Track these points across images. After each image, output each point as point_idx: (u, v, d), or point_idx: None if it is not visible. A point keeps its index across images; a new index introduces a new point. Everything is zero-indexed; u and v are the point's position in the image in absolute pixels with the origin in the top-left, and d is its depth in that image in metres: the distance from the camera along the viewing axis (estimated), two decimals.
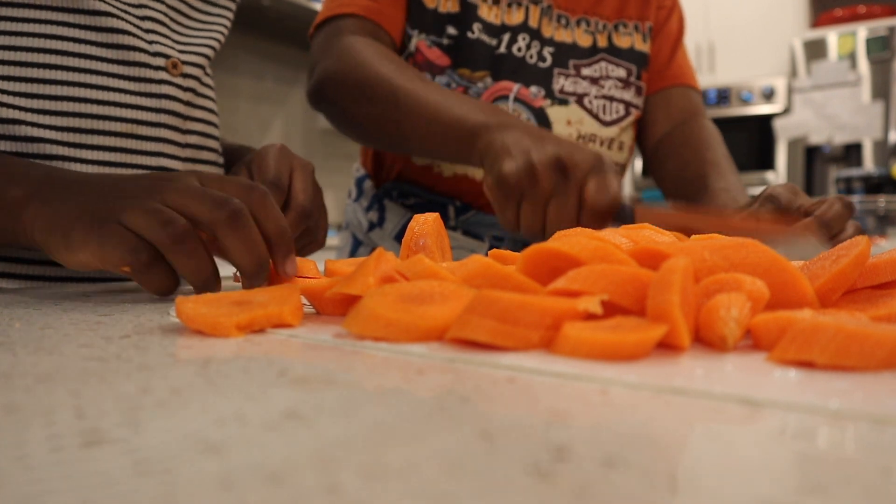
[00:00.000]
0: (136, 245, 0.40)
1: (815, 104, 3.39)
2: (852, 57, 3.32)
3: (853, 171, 2.92)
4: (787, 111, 3.54)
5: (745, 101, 3.63)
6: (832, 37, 3.38)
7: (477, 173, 0.87)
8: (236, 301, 0.34)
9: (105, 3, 0.58)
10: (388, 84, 0.74)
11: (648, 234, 0.40)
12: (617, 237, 0.38)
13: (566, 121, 0.87)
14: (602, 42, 0.92)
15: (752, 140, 3.62)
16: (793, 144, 3.47)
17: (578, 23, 0.91)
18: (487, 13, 0.85)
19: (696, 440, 0.18)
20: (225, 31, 0.72)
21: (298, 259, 0.46)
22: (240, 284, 0.45)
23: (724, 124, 3.29)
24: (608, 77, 0.91)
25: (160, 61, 0.62)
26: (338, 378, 0.24)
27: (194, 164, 0.68)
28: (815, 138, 3.40)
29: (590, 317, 0.27)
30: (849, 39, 3.33)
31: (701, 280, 0.29)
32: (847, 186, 2.85)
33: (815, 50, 3.42)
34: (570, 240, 0.32)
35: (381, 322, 0.28)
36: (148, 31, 0.62)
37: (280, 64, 3.16)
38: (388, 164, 0.93)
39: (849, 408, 0.19)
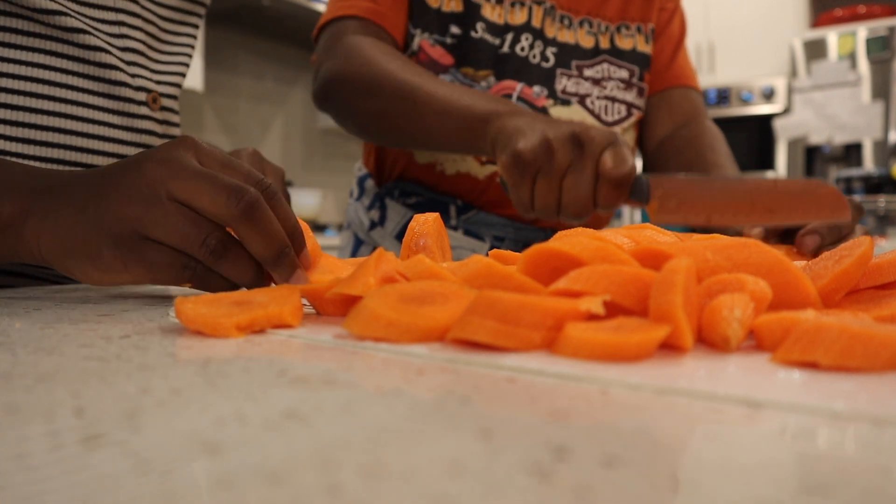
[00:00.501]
0: (184, 262, 0.40)
1: (815, 104, 3.39)
2: (852, 57, 3.32)
3: (853, 171, 2.92)
4: (787, 111, 3.54)
5: (745, 101, 3.63)
6: (832, 37, 3.38)
7: (479, 172, 0.87)
8: (236, 301, 0.34)
9: (93, 35, 0.58)
10: (395, 79, 0.74)
11: (650, 234, 0.40)
12: (618, 237, 0.38)
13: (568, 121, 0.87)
14: (604, 43, 0.92)
15: (752, 140, 3.62)
16: (793, 144, 3.47)
17: (581, 24, 0.91)
18: (491, 13, 0.86)
19: (699, 441, 0.18)
20: (191, 53, 0.72)
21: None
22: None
23: (724, 124, 3.29)
24: (610, 78, 0.91)
25: (142, 96, 0.62)
26: (338, 378, 0.24)
27: None
28: (815, 138, 3.40)
29: (592, 317, 0.27)
30: (849, 39, 3.33)
31: (703, 280, 0.29)
32: (847, 186, 2.85)
33: (815, 50, 3.43)
34: (571, 240, 0.32)
35: (382, 322, 0.28)
36: (130, 63, 0.62)
37: (280, 64, 3.16)
38: (389, 163, 0.93)
39: (855, 409, 0.19)
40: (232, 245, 0.40)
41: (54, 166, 0.57)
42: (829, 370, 0.23)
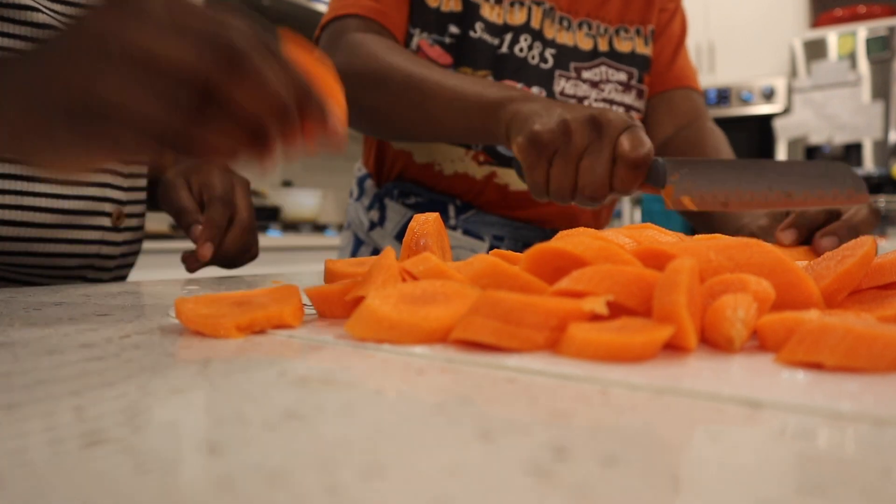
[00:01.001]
0: (155, 131, 0.32)
1: (815, 104, 3.39)
2: (852, 57, 3.32)
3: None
4: (787, 111, 3.54)
5: (745, 101, 3.63)
6: (832, 37, 3.38)
7: (477, 172, 0.87)
8: (236, 302, 0.34)
9: (49, 15, 0.56)
10: (402, 71, 0.74)
11: (651, 234, 0.39)
12: (620, 237, 0.38)
13: None
14: (603, 46, 0.92)
15: (752, 140, 3.62)
16: (793, 144, 3.47)
17: (580, 25, 0.91)
18: (489, 13, 0.85)
19: (701, 441, 0.18)
20: None
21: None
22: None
23: (724, 124, 3.28)
24: (608, 81, 0.91)
25: None
26: (338, 378, 0.24)
27: (136, 191, 0.68)
28: (815, 138, 3.40)
29: (595, 318, 0.27)
30: (849, 39, 3.33)
31: (706, 280, 0.29)
32: None
33: (815, 50, 3.42)
34: (573, 239, 0.32)
35: (385, 324, 0.28)
36: None
37: None
38: (389, 164, 0.93)
39: (862, 410, 0.19)
40: (213, 103, 0.33)
41: (16, 168, 0.57)
42: (833, 371, 0.23)
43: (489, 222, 0.89)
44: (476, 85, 0.70)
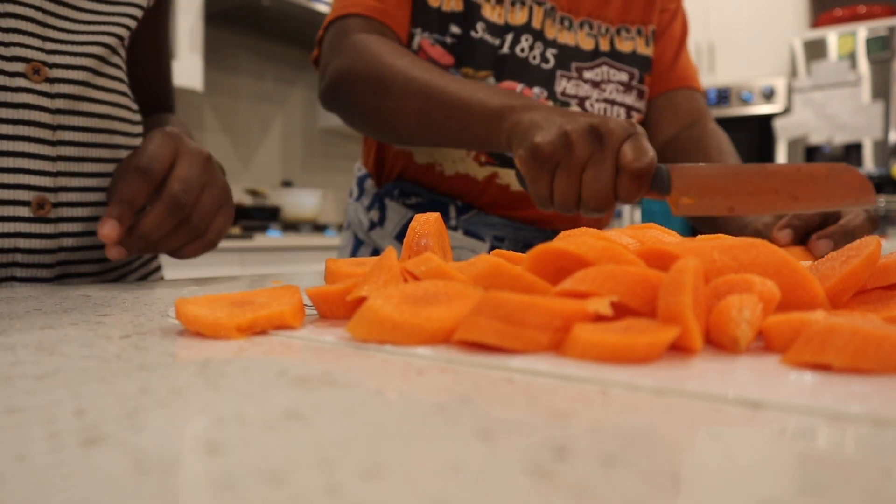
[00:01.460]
0: None
1: (815, 104, 3.39)
2: (852, 57, 3.32)
3: None
4: (787, 111, 3.54)
5: (745, 101, 3.63)
6: (832, 37, 3.38)
7: (478, 173, 0.87)
8: (237, 302, 0.34)
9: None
10: (405, 76, 0.73)
11: (655, 234, 0.39)
12: (623, 237, 0.38)
13: None
14: (604, 46, 0.92)
15: (752, 140, 3.62)
16: (793, 144, 3.47)
17: (581, 25, 0.91)
18: (491, 13, 0.85)
19: (703, 442, 0.18)
20: (137, 13, 0.64)
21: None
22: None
23: (725, 124, 3.29)
24: (609, 81, 0.91)
25: (18, 66, 0.56)
26: (338, 378, 0.24)
27: (71, 177, 0.60)
28: (815, 138, 3.40)
29: (599, 318, 0.27)
30: (849, 39, 3.33)
31: (710, 281, 0.29)
32: None
33: (815, 50, 3.42)
34: (576, 240, 0.32)
35: (387, 325, 0.28)
36: (7, 30, 0.55)
37: (280, 64, 3.16)
38: (389, 164, 0.93)
39: (872, 413, 0.19)
40: None
41: None
42: (840, 372, 0.23)
43: (490, 223, 0.89)
44: (478, 92, 0.70)
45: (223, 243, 2.17)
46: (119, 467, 0.15)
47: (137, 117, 0.69)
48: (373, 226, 0.94)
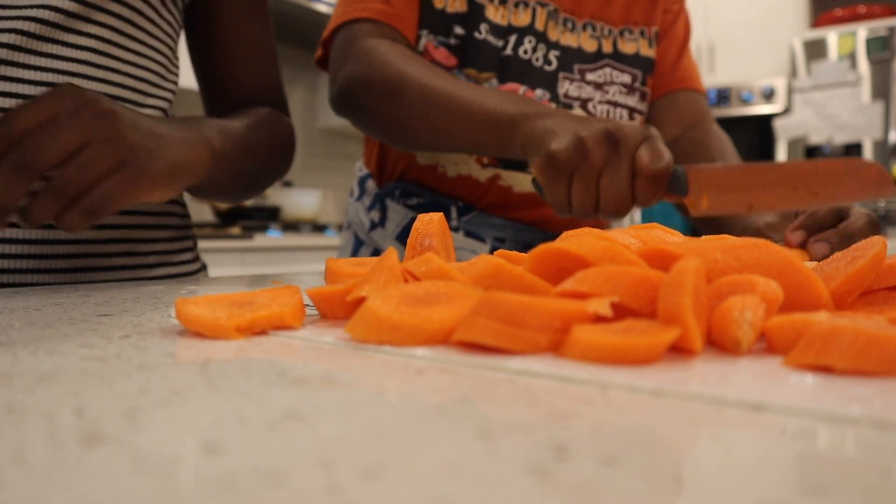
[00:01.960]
0: None
1: (815, 104, 3.39)
2: (852, 57, 3.32)
3: None
4: (787, 111, 3.54)
5: (745, 101, 3.63)
6: (832, 37, 3.38)
7: (480, 175, 0.87)
8: (237, 302, 0.34)
9: None
10: (418, 83, 0.73)
11: (657, 234, 0.39)
12: (626, 237, 0.38)
13: None
14: (607, 47, 0.92)
15: (752, 140, 3.62)
16: (793, 144, 3.47)
17: (584, 27, 0.90)
18: (494, 14, 0.85)
19: (703, 443, 0.18)
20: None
21: None
22: None
23: (725, 124, 3.28)
24: (612, 83, 0.91)
25: None
26: (338, 378, 0.24)
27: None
28: (815, 138, 3.40)
29: (599, 319, 0.27)
30: (849, 39, 3.33)
31: (713, 281, 0.29)
32: None
33: (815, 50, 3.42)
34: (578, 240, 0.32)
35: (386, 326, 0.28)
36: None
37: (280, 64, 3.16)
38: (391, 164, 0.93)
39: (873, 415, 0.19)
40: None
41: None
42: (843, 374, 0.23)
43: (491, 224, 0.89)
44: (490, 99, 0.69)
45: (223, 243, 2.17)
46: (119, 467, 0.15)
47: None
48: (373, 226, 0.94)
